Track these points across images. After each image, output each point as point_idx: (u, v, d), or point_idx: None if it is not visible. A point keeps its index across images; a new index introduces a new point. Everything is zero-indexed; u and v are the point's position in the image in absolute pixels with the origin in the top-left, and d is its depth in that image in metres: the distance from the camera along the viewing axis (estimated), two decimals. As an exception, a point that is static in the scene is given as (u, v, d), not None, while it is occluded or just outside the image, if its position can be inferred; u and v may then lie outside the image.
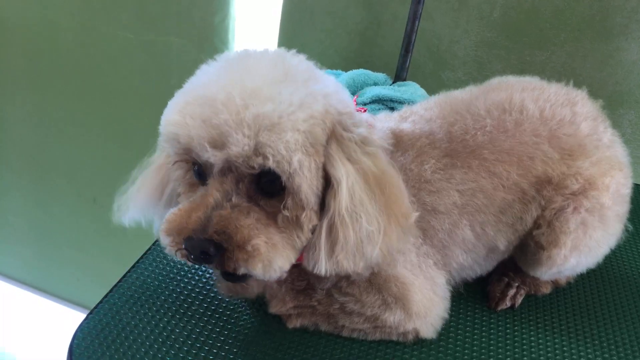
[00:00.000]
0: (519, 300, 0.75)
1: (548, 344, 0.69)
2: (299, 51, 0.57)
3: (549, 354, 0.68)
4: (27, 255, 2.04)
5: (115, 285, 0.72)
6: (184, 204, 0.54)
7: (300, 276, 0.65)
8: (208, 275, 0.74)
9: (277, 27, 1.30)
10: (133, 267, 0.76)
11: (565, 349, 0.69)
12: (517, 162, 0.66)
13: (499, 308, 0.74)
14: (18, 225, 1.99)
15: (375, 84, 1.10)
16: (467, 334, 0.70)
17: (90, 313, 0.67)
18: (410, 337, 0.66)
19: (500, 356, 0.67)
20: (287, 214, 0.53)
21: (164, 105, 0.54)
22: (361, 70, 1.12)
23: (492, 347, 0.68)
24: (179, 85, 0.55)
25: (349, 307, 0.65)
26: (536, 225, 0.68)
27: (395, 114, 0.74)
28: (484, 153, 0.66)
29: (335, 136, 0.54)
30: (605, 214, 0.67)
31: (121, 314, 0.67)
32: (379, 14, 1.20)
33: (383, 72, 1.13)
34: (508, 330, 0.71)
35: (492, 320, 0.72)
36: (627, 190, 0.71)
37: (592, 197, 0.65)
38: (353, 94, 1.07)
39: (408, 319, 0.64)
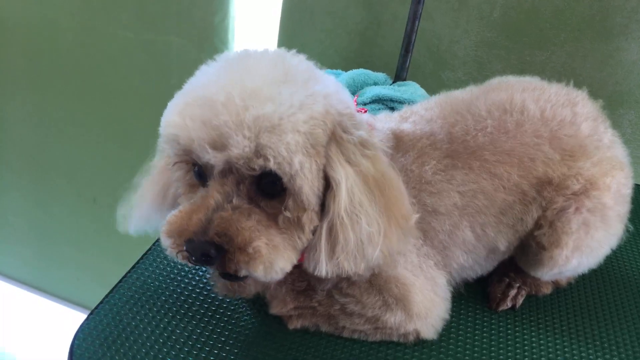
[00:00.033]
0: (520, 300, 0.75)
1: (549, 344, 0.69)
2: (299, 51, 0.57)
3: (550, 355, 0.68)
4: (27, 255, 2.04)
5: (116, 286, 0.72)
6: (184, 205, 0.54)
7: (300, 277, 0.65)
8: (209, 276, 0.74)
9: (277, 27, 1.30)
10: (133, 267, 0.76)
11: (566, 349, 0.69)
12: (517, 163, 0.66)
13: (500, 309, 0.74)
14: (18, 225, 1.99)
15: (375, 83, 1.10)
16: (468, 334, 0.70)
17: (91, 313, 0.67)
18: (411, 338, 0.66)
19: (501, 357, 0.67)
20: (288, 215, 0.52)
21: (164, 105, 0.54)
22: (361, 70, 1.12)
23: (493, 348, 0.68)
24: (179, 85, 0.55)
25: (349, 308, 0.65)
26: (537, 225, 0.67)
27: (396, 114, 0.74)
28: (485, 154, 0.66)
29: (335, 138, 0.54)
30: (607, 214, 0.67)
31: (122, 314, 0.67)
32: (379, 14, 1.20)
33: (383, 72, 1.13)
34: (509, 331, 0.71)
35: (493, 321, 0.72)
36: (628, 191, 0.71)
37: (594, 197, 0.65)
38: (353, 93, 1.06)
39: (409, 319, 0.64)
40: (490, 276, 0.77)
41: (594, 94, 0.73)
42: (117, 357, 0.61)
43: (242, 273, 0.52)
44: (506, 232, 0.68)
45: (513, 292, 0.75)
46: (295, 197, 0.52)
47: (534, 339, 0.70)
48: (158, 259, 0.77)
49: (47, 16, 1.50)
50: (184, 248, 0.52)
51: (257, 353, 0.64)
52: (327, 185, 0.54)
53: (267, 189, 0.52)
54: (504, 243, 0.69)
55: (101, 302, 0.69)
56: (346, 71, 1.14)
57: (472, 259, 0.69)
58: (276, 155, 0.49)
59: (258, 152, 0.49)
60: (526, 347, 0.68)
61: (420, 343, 0.67)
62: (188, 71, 0.56)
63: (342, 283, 0.64)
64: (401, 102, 1.01)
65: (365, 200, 0.54)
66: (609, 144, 0.70)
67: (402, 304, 0.63)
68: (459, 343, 0.68)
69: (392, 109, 1.01)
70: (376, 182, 0.55)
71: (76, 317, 2.00)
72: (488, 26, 1.13)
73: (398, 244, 0.57)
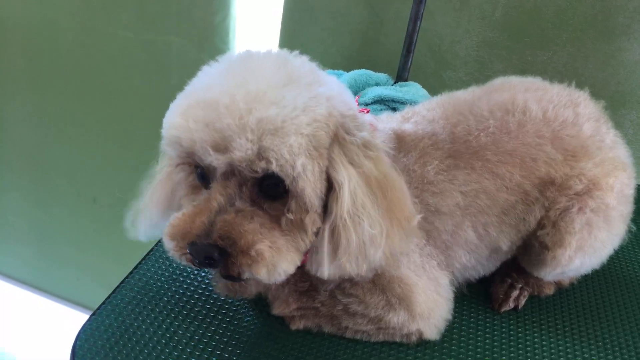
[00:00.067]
0: (522, 301, 0.75)
1: (552, 345, 0.69)
2: (301, 51, 0.57)
3: (553, 356, 0.68)
4: (27, 255, 2.04)
5: (118, 287, 0.72)
6: (187, 208, 0.54)
7: (303, 277, 0.65)
8: (210, 277, 0.74)
9: (278, 26, 1.29)
10: (135, 268, 0.76)
11: (569, 350, 0.69)
12: (520, 163, 0.66)
13: (502, 309, 0.74)
14: (18, 225, 1.99)
15: (377, 84, 1.10)
16: (471, 335, 0.70)
17: (93, 314, 0.67)
18: (414, 338, 0.66)
19: (503, 358, 0.67)
20: (291, 217, 0.52)
21: (164, 105, 0.54)
22: (363, 71, 1.11)
23: (495, 349, 0.68)
24: (179, 85, 0.55)
25: (352, 308, 0.64)
26: (540, 225, 0.67)
27: (398, 114, 0.74)
28: (487, 154, 0.65)
29: (337, 139, 0.54)
30: (610, 215, 0.67)
31: (124, 315, 0.67)
32: (381, 14, 1.20)
33: (385, 72, 1.13)
34: (511, 332, 0.71)
35: (495, 322, 0.72)
36: (630, 191, 0.71)
37: (597, 197, 0.65)
38: (355, 94, 1.06)
39: (412, 319, 0.64)
40: (493, 277, 0.77)
41: (595, 95, 0.73)
42: (119, 358, 0.61)
43: (245, 276, 0.52)
44: (508, 232, 0.68)
45: (515, 293, 0.75)
46: (298, 199, 0.52)
47: (536, 340, 0.70)
48: (160, 260, 0.77)
49: (47, 16, 1.49)
50: (187, 251, 0.51)
51: (259, 354, 0.64)
52: (330, 187, 0.54)
53: (270, 191, 0.52)
54: (506, 243, 0.69)
55: (103, 303, 0.69)
56: (348, 71, 1.14)
57: (475, 259, 0.69)
58: (279, 158, 0.49)
59: (261, 154, 0.49)
60: (528, 348, 0.68)
61: (423, 344, 0.67)
62: (188, 71, 0.56)
63: (345, 283, 0.64)
64: (403, 103, 1.01)
65: (367, 202, 0.54)
66: (611, 144, 0.70)
67: (405, 303, 0.63)
68: (461, 344, 0.68)
69: (394, 109, 1.01)
70: (379, 183, 0.55)
71: (76, 317, 2.00)
72: (490, 26, 1.12)
73: (400, 245, 0.57)
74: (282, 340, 0.66)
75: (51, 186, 1.81)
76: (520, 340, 0.70)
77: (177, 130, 0.51)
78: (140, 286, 0.72)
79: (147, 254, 0.78)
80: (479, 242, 0.68)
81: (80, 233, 1.87)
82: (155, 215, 0.62)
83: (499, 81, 0.74)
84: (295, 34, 1.29)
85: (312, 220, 0.53)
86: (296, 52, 0.57)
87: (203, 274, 0.75)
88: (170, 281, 0.73)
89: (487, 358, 0.66)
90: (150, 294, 0.71)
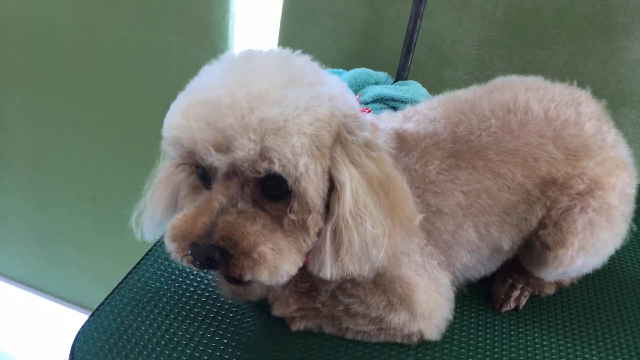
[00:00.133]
0: (523, 301, 0.75)
1: (552, 345, 0.69)
2: (301, 50, 0.57)
3: (554, 356, 0.67)
4: (27, 255, 2.04)
5: (117, 287, 0.72)
6: (188, 209, 0.54)
7: (304, 278, 0.65)
8: (210, 277, 0.74)
9: (277, 25, 1.29)
10: (134, 268, 0.75)
11: (569, 350, 0.69)
12: (521, 162, 0.65)
13: (503, 309, 0.74)
14: (18, 225, 1.98)
15: (377, 83, 1.10)
16: (471, 335, 0.69)
17: (92, 315, 0.67)
18: (415, 339, 0.66)
19: (504, 358, 0.66)
20: (293, 218, 0.52)
21: (164, 104, 0.53)
22: (363, 69, 1.11)
23: (496, 349, 0.68)
24: (179, 84, 0.54)
25: (353, 309, 0.64)
26: (542, 225, 0.67)
27: (399, 113, 0.73)
28: (489, 154, 0.65)
29: (339, 139, 0.54)
30: (612, 214, 0.66)
31: (123, 316, 0.67)
32: (381, 13, 1.19)
33: (384, 71, 1.12)
34: (512, 332, 0.71)
35: (496, 322, 0.72)
36: (632, 190, 0.71)
37: (599, 196, 0.65)
38: (355, 93, 1.06)
39: (413, 320, 0.64)
40: (494, 277, 0.77)
41: (596, 93, 0.73)
42: (118, 359, 0.61)
43: (247, 278, 0.52)
44: (510, 232, 0.68)
45: (516, 293, 0.75)
46: (300, 199, 0.51)
47: (537, 340, 0.70)
48: (159, 260, 0.77)
49: (47, 15, 1.49)
50: (189, 252, 0.51)
51: (259, 355, 0.63)
52: (332, 187, 0.54)
53: (272, 191, 0.52)
54: (507, 243, 0.69)
55: (102, 304, 0.69)
56: (347, 70, 1.13)
57: (476, 258, 0.69)
58: (281, 158, 0.48)
59: (263, 154, 0.48)
60: (529, 348, 0.68)
61: (424, 344, 0.67)
62: (188, 70, 0.56)
63: (346, 284, 0.63)
64: (403, 102, 1.01)
65: (369, 202, 0.53)
66: (612, 143, 0.70)
67: (406, 303, 0.63)
68: (462, 344, 0.68)
69: (394, 108, 1.01)
70: (380, 183, 0.55)
71: (76, 317, 1.99)
72: (490, 25, 1.12)
73: (402, 244, 0.56)
74: (283, 341, 0.66)
75: (51, 186, 1.81)
76: (521, 341, 0.69)
77: (178, 130, 0.50)
78: (140, 286, 0.72)
79: (146, 254, 0.78)
80: (480, 242, 0.67)
81: (80, 233, 1.87)
82: (159, 215, 0.61)
83: (500, 80, 0.74)
84: (295, 32, 1.28)
85: (314, 221, 0.53)
86: (298, 51, 0.57)
87: (202, 274, 0.75)
88: (169, 281, 0.73)
89: (488, 359, 0.66)
90: (150, 294, 0.71)
